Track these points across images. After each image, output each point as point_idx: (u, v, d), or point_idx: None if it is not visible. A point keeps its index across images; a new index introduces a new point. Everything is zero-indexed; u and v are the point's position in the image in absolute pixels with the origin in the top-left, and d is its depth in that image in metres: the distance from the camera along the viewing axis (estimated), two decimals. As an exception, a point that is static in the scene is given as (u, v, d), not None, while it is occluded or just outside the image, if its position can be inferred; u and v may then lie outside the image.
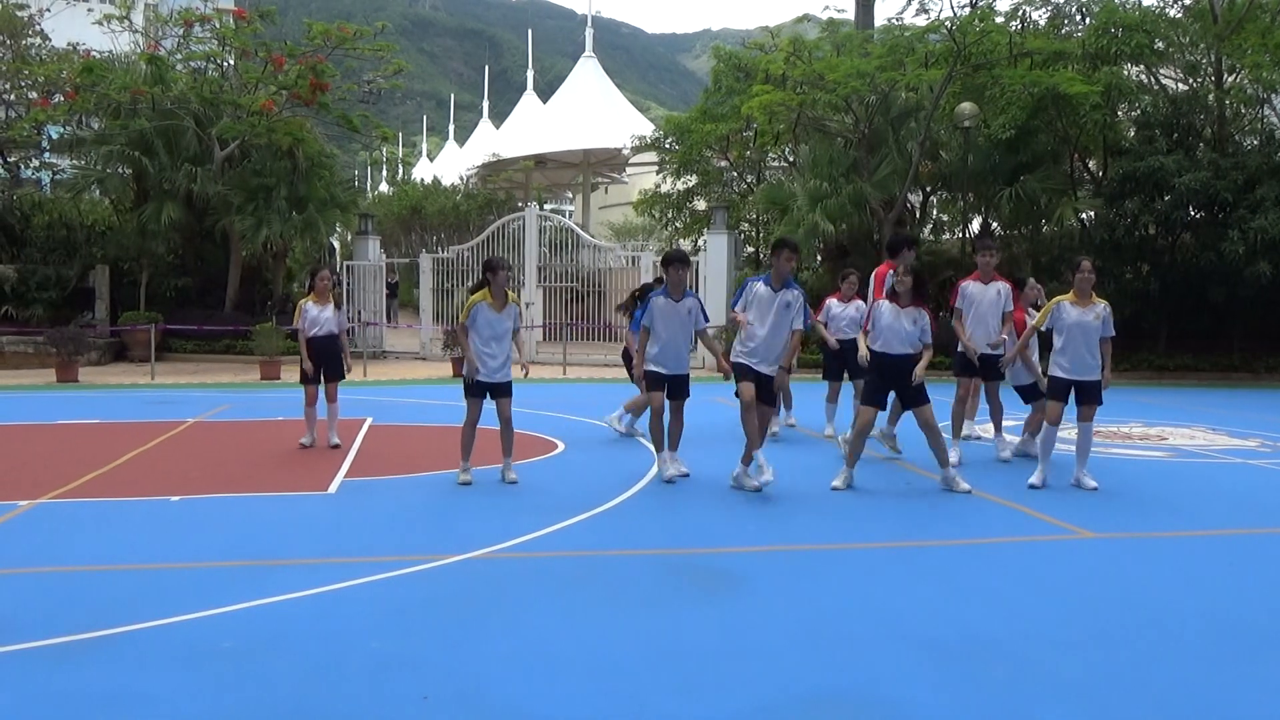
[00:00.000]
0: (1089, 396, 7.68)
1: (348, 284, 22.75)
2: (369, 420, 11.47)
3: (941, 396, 11.40)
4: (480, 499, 7.24)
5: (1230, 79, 19.31)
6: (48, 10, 23.96)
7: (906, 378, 7.44)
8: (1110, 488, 7.73)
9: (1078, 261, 7.79)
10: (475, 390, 7.76)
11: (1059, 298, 7.82)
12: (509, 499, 7.22)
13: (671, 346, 7.86)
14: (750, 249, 24.20)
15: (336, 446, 9.32)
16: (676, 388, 7.92)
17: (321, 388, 9.45)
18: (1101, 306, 7.68)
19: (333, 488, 7.60)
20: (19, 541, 5.97)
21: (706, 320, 8.07)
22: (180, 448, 9.59)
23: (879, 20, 23.95)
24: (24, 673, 3.88)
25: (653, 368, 7.85)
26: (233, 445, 9.76)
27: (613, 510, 6.88)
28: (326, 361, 9.38)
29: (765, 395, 7.49)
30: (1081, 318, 7.61)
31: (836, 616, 4.61)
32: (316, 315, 9.28)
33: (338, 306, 9.57)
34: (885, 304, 7.64)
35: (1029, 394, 9.02)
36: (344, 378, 9.54)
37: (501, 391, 7.76)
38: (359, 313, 22.08)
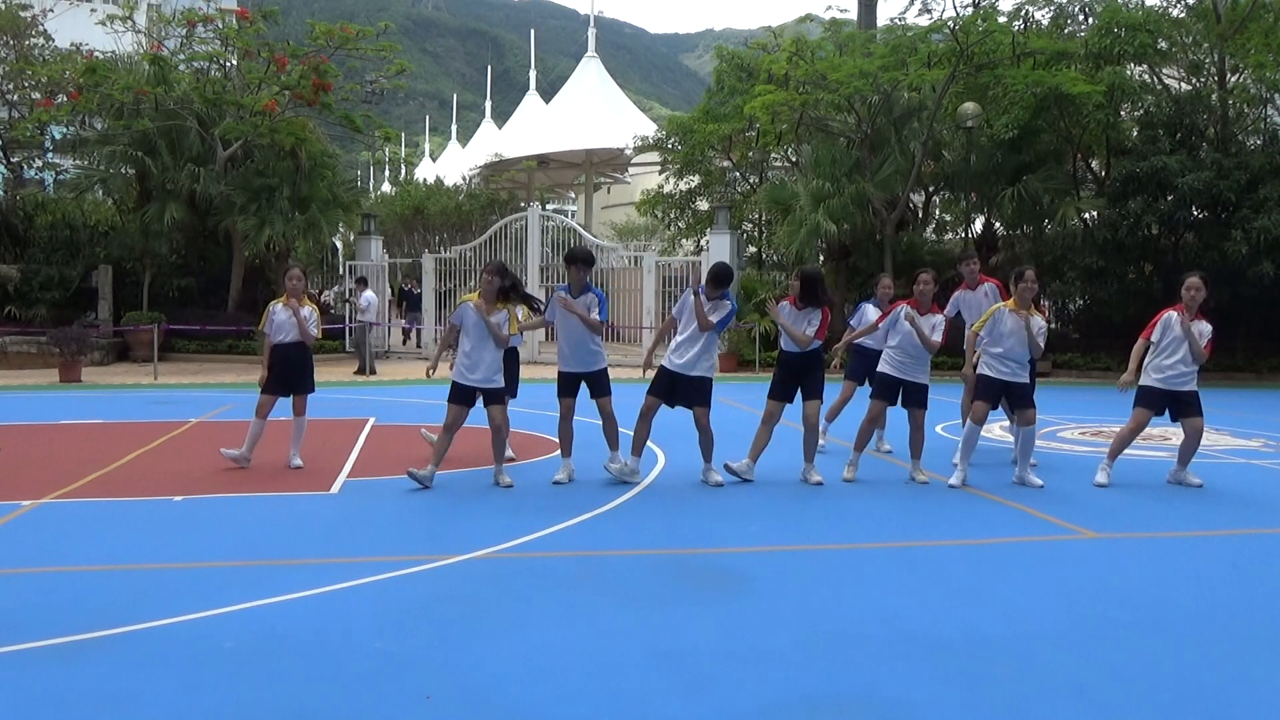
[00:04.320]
0: (1020, 400, 7.81)
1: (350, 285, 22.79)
2: (372, 420, 11.50)
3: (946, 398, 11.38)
4: (481, 499, 7.25)
5: (1233, 79, 19.31)
6: (51, 11, 24.00)
7: (806, 375, 7.77)
8: (1113, 488, 7.73)
9: (1021, 271, 7.93)
10: (456, 395, 7.54)
11: (999, 304, 7.94)
12: (510, 499, 7.22)
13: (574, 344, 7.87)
14: (753, 249, 24.21)
15: (298, 468, 8.26)
16: (593, 385, 7.92)
17: (287, 402, 8.43)
18: (1038, 320, 7.78)
19: (335, 488, 7.61)
20: (22, 541, 5.97)
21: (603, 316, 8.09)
22: (183, 448, 9.60)
23: (881, 20, 24.00)
24: (24, 673, 3.88)
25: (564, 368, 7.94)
26: (235, 445, 9.74)
27: (614, 510, 6.88)
28: (293, 371, 8.31)
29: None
30: (1017, 326, 7.72)
31: (838, 617, 4.61)
32: (284, 320, 8.25)
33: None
34: (787, 305, 7.87)
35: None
36: (312, 391, 8.53)
37: (491, 398, 7.59)
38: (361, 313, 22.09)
